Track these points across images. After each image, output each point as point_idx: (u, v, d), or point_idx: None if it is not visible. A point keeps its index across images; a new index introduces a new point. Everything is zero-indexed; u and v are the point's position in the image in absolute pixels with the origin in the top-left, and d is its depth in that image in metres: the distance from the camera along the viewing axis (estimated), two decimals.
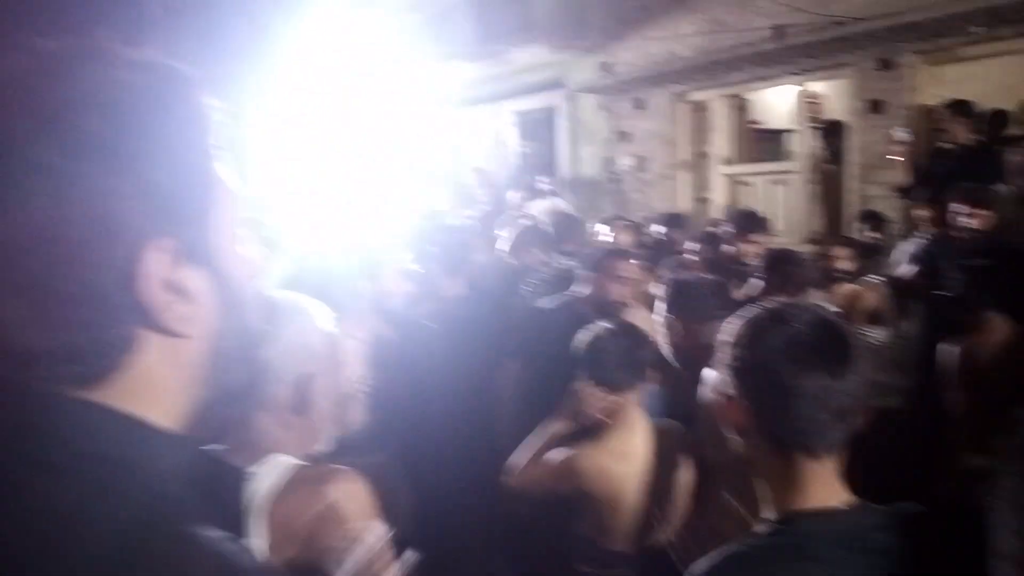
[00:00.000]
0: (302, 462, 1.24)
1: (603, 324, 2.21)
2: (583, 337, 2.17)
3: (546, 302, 3.20)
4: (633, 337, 2.16)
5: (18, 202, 0.51)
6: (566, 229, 4.58)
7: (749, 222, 4.37)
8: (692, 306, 2.43)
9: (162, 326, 0.56)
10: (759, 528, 1.15)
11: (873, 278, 3.89)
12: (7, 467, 0.51)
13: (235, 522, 0.99)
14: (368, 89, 9.12)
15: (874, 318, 3.70)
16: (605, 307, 2.83)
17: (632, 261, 3.12)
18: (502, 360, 3.12)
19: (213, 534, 0.55)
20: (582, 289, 3.07)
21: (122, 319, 0.55)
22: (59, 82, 0.54)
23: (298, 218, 4.34)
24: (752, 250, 4.12)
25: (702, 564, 1.12)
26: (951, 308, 3.09)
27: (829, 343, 1.12)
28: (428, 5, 9.39)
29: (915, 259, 3.48)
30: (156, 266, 0.55)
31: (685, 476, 2.08)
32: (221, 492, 0.59)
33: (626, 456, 2.06)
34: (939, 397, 2.89)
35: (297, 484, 1.18)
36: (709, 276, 2.49)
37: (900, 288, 3.60)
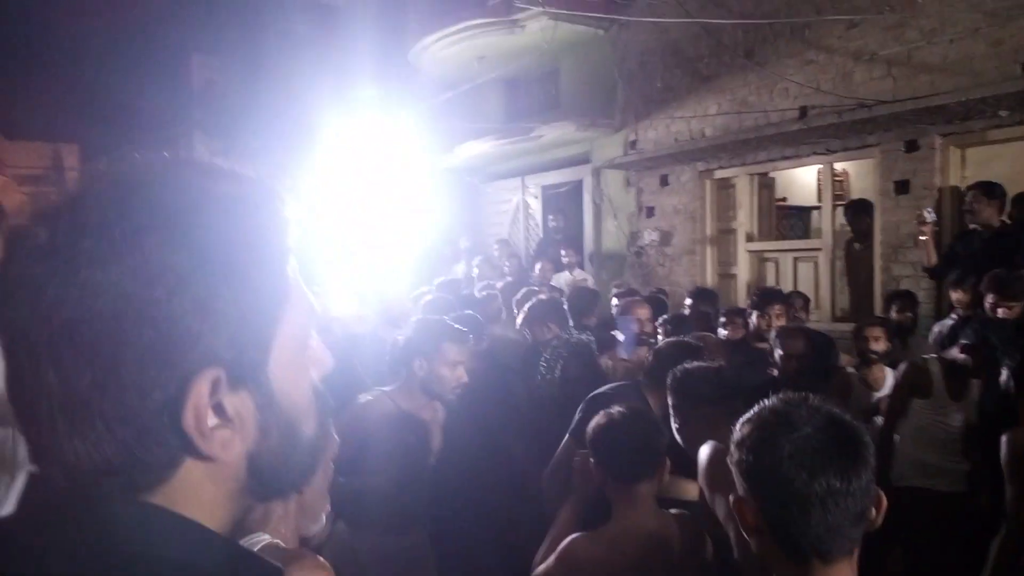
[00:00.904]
0: (276, 541, 1.20)
1: (619, 410, 2.14)
2: (599, 422, 2.11)
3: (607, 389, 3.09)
4: (648, 425, 2.10)
5: (76, 323, 0.50)
6: (587, 303, 4.58)
7: (771, 296, 4.38)
8: (692, 394, 2.36)
9: (203, 453, 0.56)
10: None
11: (924, 357, 3.81)
12: (69, 565, 0.51)
13: None
14: (398, 162, 9.35)
15: (920, 395, 3.61)
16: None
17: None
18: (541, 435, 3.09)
19: None
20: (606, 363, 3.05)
21: (164, 443, 0.55)
22: (136, 201, 0.54)
23: (336, 292, 4.42)
24: (772, 324, 4.10)
25: None
26: (1004, 395, 3.03)
27: (839, 446, 1.10)
28: (461, 82, 9.71)
29: (968, 340, 3.41)
30: (203, 396, 0.54)
31: (692, 564, 1.99)
32: None
33: (627, 547, 1.97)
34: (990, 484, 2.83)
35: None
36: (712, 363, 2.43)
37: (955, 369, 3.53)
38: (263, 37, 13.83)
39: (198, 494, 0.57)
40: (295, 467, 0.63)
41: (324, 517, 1.32)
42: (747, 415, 1.20)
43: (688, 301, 5.30)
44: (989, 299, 3.93)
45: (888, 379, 4.05)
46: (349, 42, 9.93)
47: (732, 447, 1.18)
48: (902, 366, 3.94)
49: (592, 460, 2.11)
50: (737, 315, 4.61)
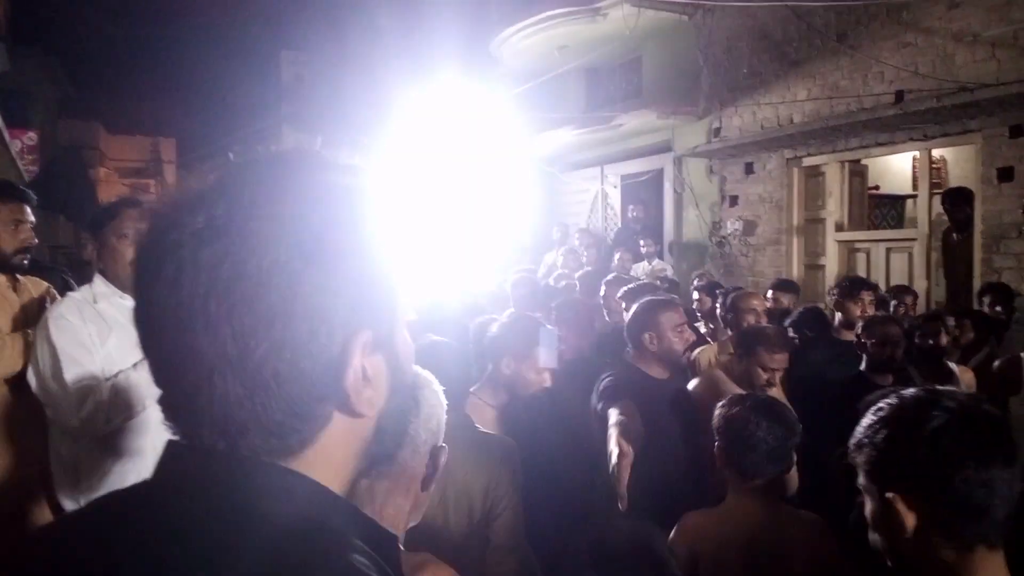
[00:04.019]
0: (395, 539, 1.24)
1: (758, 405, 2.13)
2: (735, 413, 2.11)
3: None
4: (784, 427, 2.08)
5: (255, 294, 0.57)
6: (667, 293, 4.54)
7: (861, 284, 4.25)
8: None
9: (354, 409, 0.62)
10: None
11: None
12: (211, 524, 0.56)
13: None
14: (480, 153, 9.47)
15: (1012, 391, 3.45)
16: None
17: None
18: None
19: None
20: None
21: (324, 400, 0.61)
22: (293, 187, 0.61)
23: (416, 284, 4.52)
24: (865, 312, 3.98)
25: None
26: None
27: (999, 431, 1.08)
28: (542, 72, 9.73)
29: None
30: (359, 357, 0.61)
31: (812, 570, 1.95)
32: (390, 564, 0.64)
33: (732, 528, 2.00)
34: None
35: None
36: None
37: None
38: (349, 32, 14.20)
39: (332, 456, 0.63)
40: (402, 431, 0.71)
41: (420, 516, 1.33)
42: (877, 409, 1.15)
43: (769, 294, 5.19)
44: None
45: (956, 375, 3.73)
46: (432, 35, 10.09)
47: (868, 444, 1.13)
48: (997, 362, 3.77)
49: (717, 444, 2.13)
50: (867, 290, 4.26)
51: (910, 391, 1.15)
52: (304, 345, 0.58)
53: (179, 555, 0.54)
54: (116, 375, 2.21)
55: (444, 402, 1.33)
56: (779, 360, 2.99)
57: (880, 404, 1.16)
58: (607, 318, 4.71)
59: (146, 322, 0.60)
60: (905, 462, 1.09)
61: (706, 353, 4.00)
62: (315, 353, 0.59)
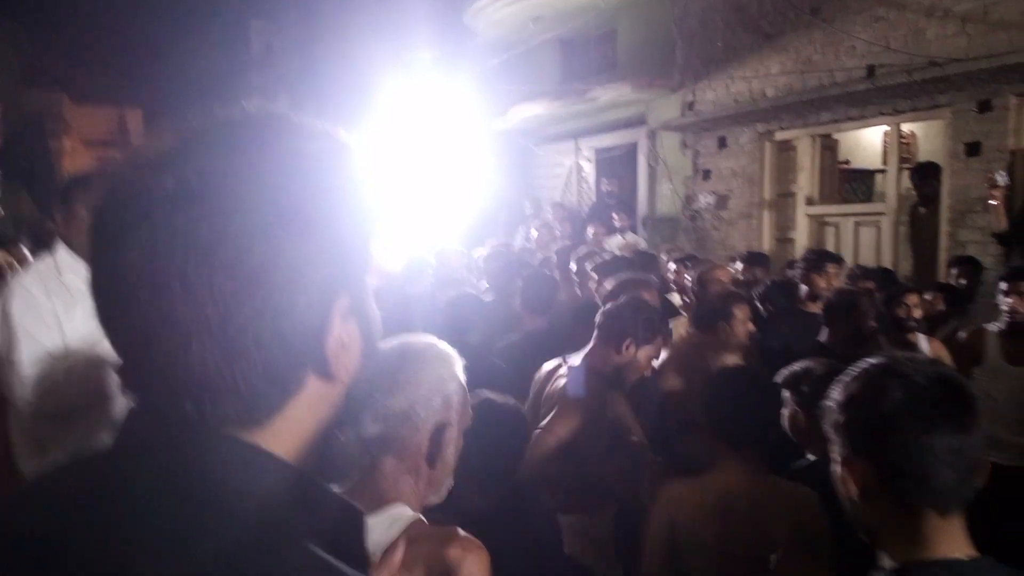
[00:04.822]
0: (419, 516, 1.21)
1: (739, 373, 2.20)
2: (717, 380, 2.18)
3: None
4: (765, 395, 2.14)
5: (236, 260, 0.56)
6: (644, 266, 4.57)
7: (827, 256, 4.31)
8: None
9: (332, 375, 0.62)
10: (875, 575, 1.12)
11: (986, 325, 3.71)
12: (168, 499, 0.55)
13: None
14: (453, 125, 9.37)
15: (975, 362, 3.53)
16: None
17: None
18: None
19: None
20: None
21: (302, 366, 0.61)
22: (267, 151, 0.60)
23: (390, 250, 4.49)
24: (824, 284, 4.05)
25: None
26: None
27: (955, 398, 1.08)
28: (517, 44, 9.64)
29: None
30: (338, 323, 0.61)
31: (795, 539, 1.95)
32: (352, 541, 0.64)
33: (710, 495, 2.04)
34: None
35: (415, 540, 1.12)
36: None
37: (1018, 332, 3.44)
38: (319, 2, 13.91)
39: (300, 424, 0.63)
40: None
41: (445, 490, 1.31)
42: (847, 374, 1.17)
43: (739, 266, 5.23)
44: None
45: (924, 347, 3.82)
46: (405, 4, 9.92)
47: (831, 409, 1.16)
48: (962, 333, 3.84)
49: (704, 415, 2.16)
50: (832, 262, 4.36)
51: (873, 359, 1.17)
52: (286, 310, 0.58)
53: (131, 529, 0.54)
54: (84, 351, 2.17)
55: (456, 378, 1.28)
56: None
57: (848, 371, 1.18)
58: (578, 291, 4.73)
59: (111, 290, 0.58)
60: (853, 425, 1.12)
61: (679, 325, 4.03)
62: (296, 318, 0.58)
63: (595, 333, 2.74)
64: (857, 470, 1.11)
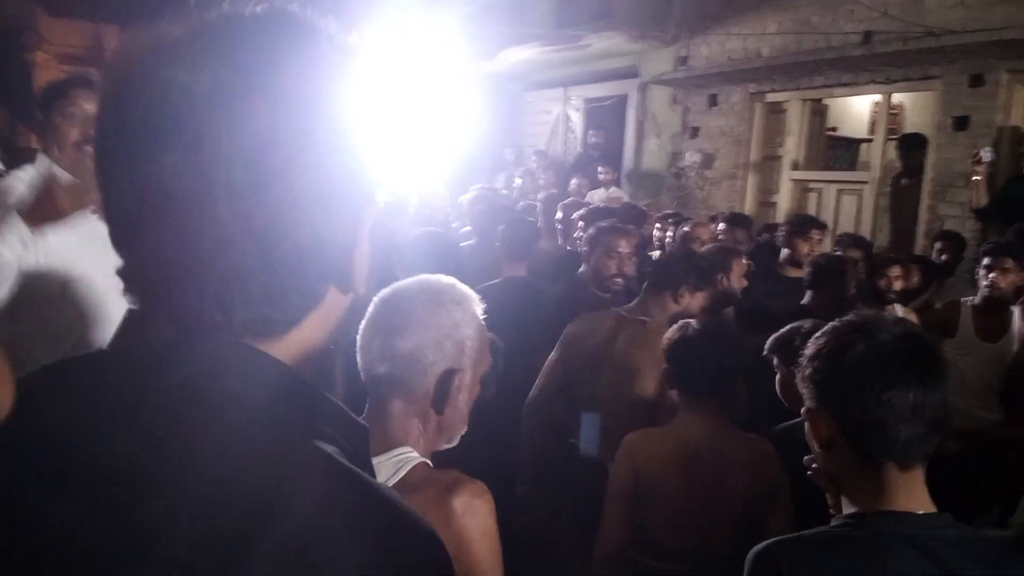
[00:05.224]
0: (426, 460, 1.20)
1: (698, 325, 2.19)
2: (677, 333, 2.20)
3: None
4: (726, 345, 2.14)
5: (284, 164, 0.54)
6: (630, 220, 4.55)
7: (811, 221, 4.33)
8: None
9: (353, 287, 0.63)
10: (834, 521, 1.16)
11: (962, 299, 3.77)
12: (172, 401, 0.53)
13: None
14: (439, 67, 9.16)
15: (947, 334, 3.59)
16: None
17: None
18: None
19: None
20: None
21: (330, 277, 0.60)
22: (305, 59, 0.57)
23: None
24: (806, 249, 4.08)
25: (763, 547, 1.15)
26: None
27: (917, 355, 1.11)
28: None
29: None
30: (366, 236, 0.62)
31: (758, 491, 2.00)
32: (361, 452, 0.64)
33: (673, 448, 2.06)
34: None
35: (419, 484, 1.13)
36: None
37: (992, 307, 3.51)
38: None
39: (311, 337, 0.62)
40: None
41: (457, 436, 1.29)
42: (820, 331, 1.20)
43: (721, 226, 5.24)
44: None
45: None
46: None
47: (804, 362, 1.20)
48: (938, 304, 3.91)
49: (665, 367, 2.19)
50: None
51: (854, 313, 1.21)
52: (328, 221, 0.57)
53: (142, 433, 0.52)
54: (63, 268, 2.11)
55: (474, 323, 1.24)
56: (624, 244, 3.12)
57: (829, 324, 1.22)
58: (561, 241, 4.72)
59: (142, 194, 0.54)
60: (819, 377, 1.16)
61: None
62: (335, 228, 0.58)
63: (645, 286, 2.79)
64: (822, 421, 1.16)
